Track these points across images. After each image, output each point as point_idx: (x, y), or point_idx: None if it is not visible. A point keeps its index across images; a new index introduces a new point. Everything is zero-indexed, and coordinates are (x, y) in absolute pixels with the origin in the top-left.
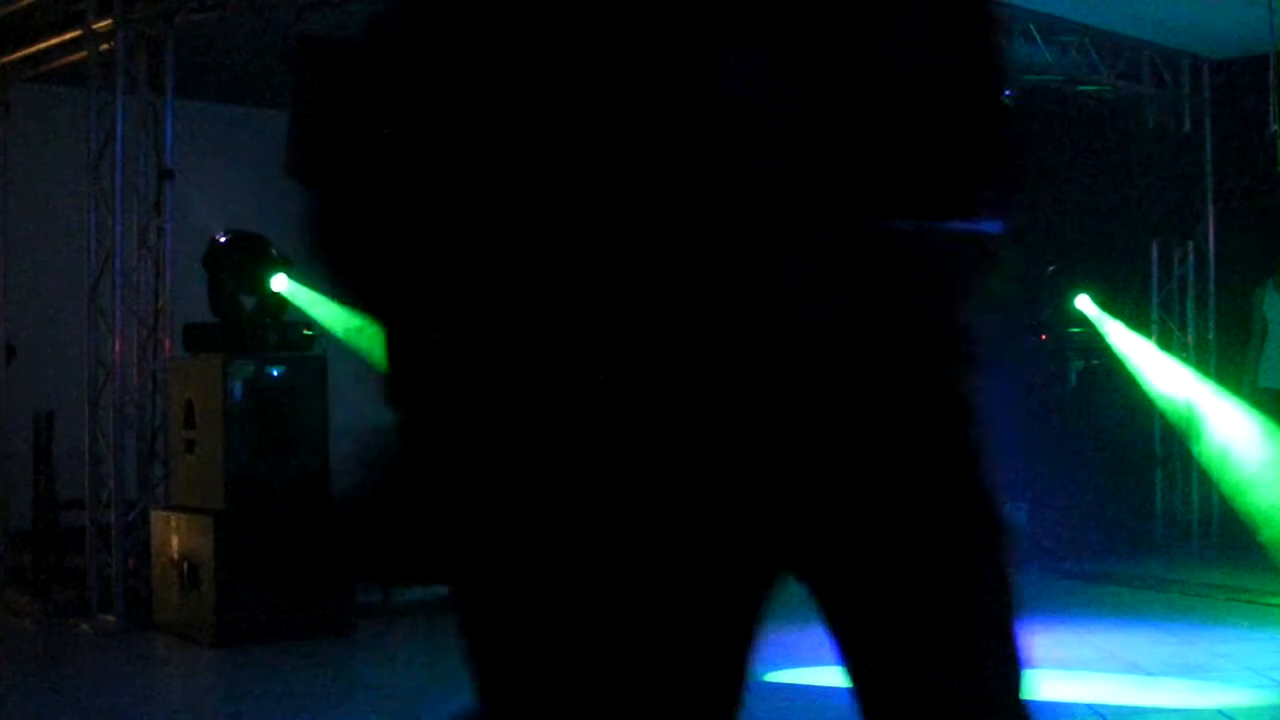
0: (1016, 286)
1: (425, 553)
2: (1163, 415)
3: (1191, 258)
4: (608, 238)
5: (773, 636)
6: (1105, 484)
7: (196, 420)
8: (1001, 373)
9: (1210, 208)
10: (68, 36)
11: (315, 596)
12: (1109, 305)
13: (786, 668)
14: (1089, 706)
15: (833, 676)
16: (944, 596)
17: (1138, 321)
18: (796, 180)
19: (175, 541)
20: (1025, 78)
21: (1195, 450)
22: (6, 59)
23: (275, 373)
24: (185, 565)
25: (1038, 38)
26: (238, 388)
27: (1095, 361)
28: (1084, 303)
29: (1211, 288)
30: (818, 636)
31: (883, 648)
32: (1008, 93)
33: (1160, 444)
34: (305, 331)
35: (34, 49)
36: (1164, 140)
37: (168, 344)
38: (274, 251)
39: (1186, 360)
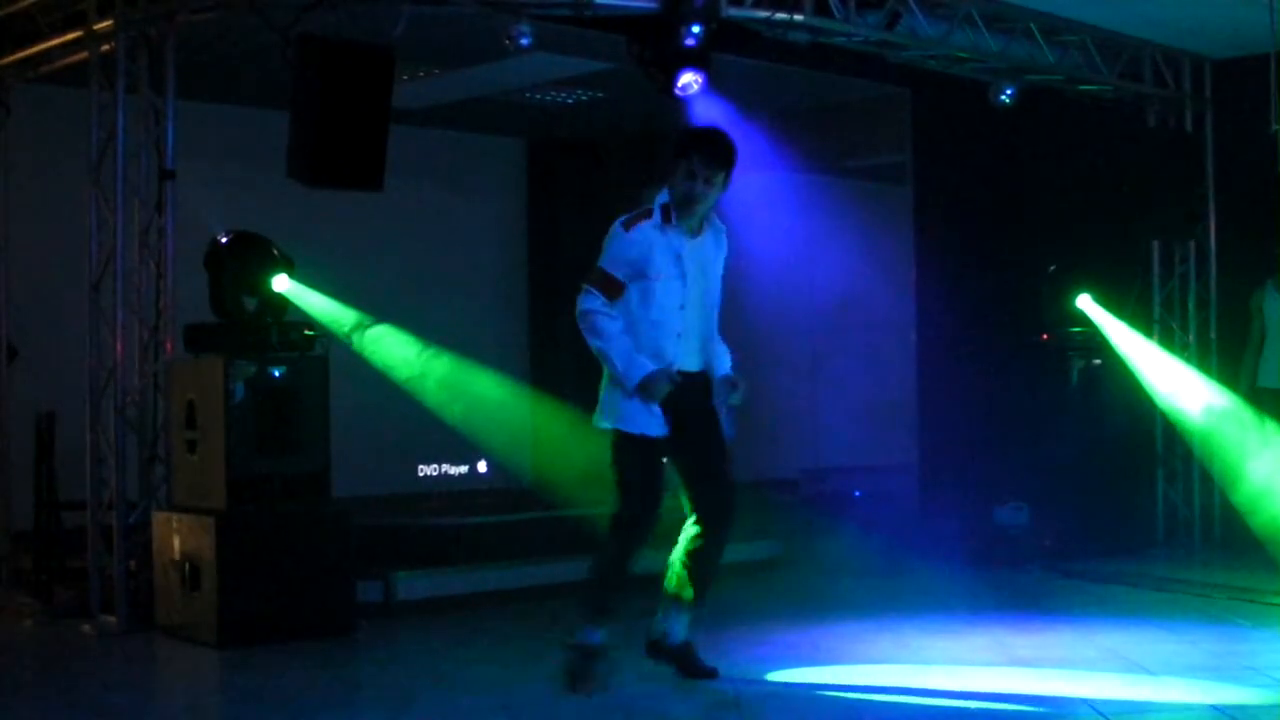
0: None
1: None
2: (1163, 415)
3: (1192, 257)
4: None
5: (773, 636)
6: (1106, 483)
7: (198, 421)
8: (1002, 372)
9: (1210, 208)
10: (69, 37)
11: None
12: (1110, 305)
13: (786, 668)
14: (1090, 705)
15: (833, 676)
16: None
17: (1138, 321)
18: None
19: (177, 542)
20: (1026, 78)
21: (1196, 450)
22: (7, 60)
23: (276, 373)
24: (187, 566)
25: (1039, 37)
26: (239, 388)
27: (1096, 361)
28: (1084, 302)
29: (1212, 287)
30: (818, 636)
31: None
32: (1009, 91)
33: (1161, 443)
34: (306, 332)
35: (35, 50)
36: (1164, 140)
37: (169, 344)
38: (275, 252)
39: (1187, 360)
